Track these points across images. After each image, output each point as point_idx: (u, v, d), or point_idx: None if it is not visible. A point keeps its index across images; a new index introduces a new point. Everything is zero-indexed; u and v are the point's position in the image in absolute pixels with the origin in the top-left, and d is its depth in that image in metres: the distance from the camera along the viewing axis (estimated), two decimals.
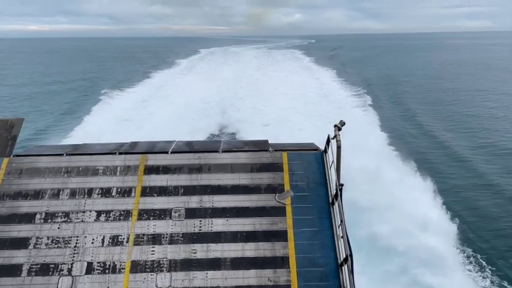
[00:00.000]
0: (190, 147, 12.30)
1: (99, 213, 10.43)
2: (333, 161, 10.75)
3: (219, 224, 10.22)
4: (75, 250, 9.79)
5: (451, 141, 42.04)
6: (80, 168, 11.27)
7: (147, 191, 10.85)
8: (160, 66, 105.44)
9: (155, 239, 10.00)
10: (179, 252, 9.78)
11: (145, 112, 48.43)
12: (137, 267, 9.56)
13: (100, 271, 9.49)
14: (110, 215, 10.40)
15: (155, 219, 10.34)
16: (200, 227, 10.19)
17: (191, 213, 10.43)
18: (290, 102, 52.58)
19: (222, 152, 11.86)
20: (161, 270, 9.50)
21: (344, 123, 11.07)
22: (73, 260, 9.63)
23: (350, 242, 9.11)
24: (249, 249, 9.77)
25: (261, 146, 12.23)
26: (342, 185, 10.17)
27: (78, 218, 10.32)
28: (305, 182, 11.04)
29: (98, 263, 9.61)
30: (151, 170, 11.32)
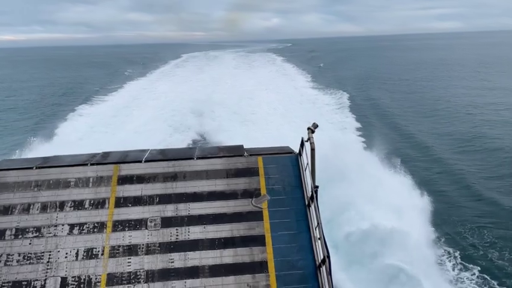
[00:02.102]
0: (164, 156, 12.17)
1: (72, 226, 10.20)
2: (308, 163, 10.81)
3: (196, 232, 10.13)
4: (48, 265, 9.53)
5: (409, 126, 46.18)
6: (51, 181, 11.00)
7: (121, 202, 10.67)
8: (135, 73, 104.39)
9: (131, 250, 9.83)
10: (157, 262, 9.64)
11: (118, 120, 47.61)
12: (113, 279, 9.37)
13: (74, 286, 9.26)
14: (84, 227, 10.17)
15: (130, 229, 10.17)
16: (177, 235, 10.07)
17: (167, 222, 10.31)
18: (266, 104, 52.71)
19: (197, 158, 11.78)
20: (139, 282, 9.34)
21: (317, 126, 11.17)
22: (46, 276, 9.37)
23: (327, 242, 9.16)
24: (227, 256, 9.71)
25: (236, 151, 12.21)
26: (317, 187, 10.24)
27: (50, 233, 10.06)
28: (281, 185, 11.07)
29: (72, 277, 9.38)
30: (124, 180, 11.14)
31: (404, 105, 59.31)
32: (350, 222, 19.48)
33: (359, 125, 44.46)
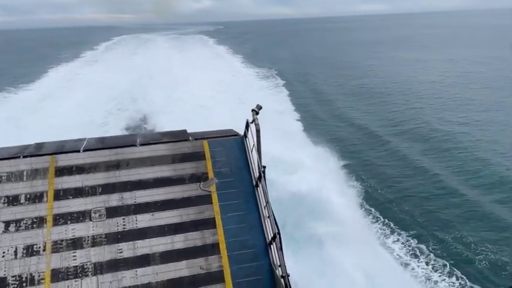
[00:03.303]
0: (103, 144, 11.65)
1: (7, 223, 9.53)
2: (253, 145, 10.95)
3: (144, 220, 9.91)
4: None
5: (335, 101, 52.15)
6: None
7: (61, 194, 10.13)
8: (64, 58, 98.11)
9: (75, 243, 9.41)
10: (104, 253, 9.33)
11: (48, 108, 44.69)
12: (58, 275, 8.95)
13: (16, 285, 8.72)
14: (21, 224, 9.55)
15: (73, 222, 9.71)
16: (124, 225, 9.80)
17: (112, 212, 9.98)
18: (203, 89, 52.20)
19: (140, 145, 11.44)
20: (86, 275, 9.00)
21: (261, 107, 11.29)
22: None
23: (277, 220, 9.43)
24: (179, 241, 9.64)
25: (180, 136, 12.01)
26: (264, 167, 10.42)
27: None
28: (228, 168, 11.11)
29: (12, 277, 8.82)
30: (62, 171, 10.56)
31: (332, 81, 64.94)
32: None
33: (294, 107, 47.36)
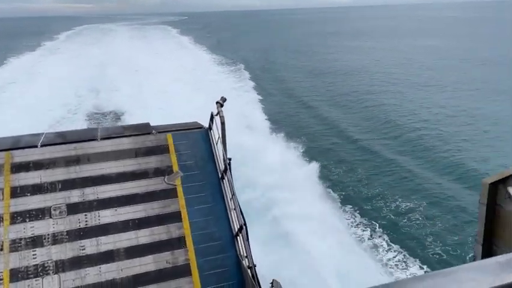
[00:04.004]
0: (63, 138, 11.26)
1: None
2: (219, 137, 10.91)
3: (107, 216, 9.70)
4: None
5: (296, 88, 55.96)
6: None
7: (18, 192, 9.74)
8: (22, 48, 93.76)
9: (35, 241, 9.10)
10: (66, 251, 9.07)
11: (3, 101, 42.65)
12: (18, 275, 8.64)
13: None
14: None
15: (32, 220, 9.37)
16: (86, 221, 9.55)
17: (74, 208, 9.70)
18: (167, 79, 51.36)
19: (101, 139, 11.15)
20: (48, 274, 8.74)
21: (225, 99, 11.26)
22: None
23: (243, 212, 9.47)
24: (144, 236, 9.51)
25: (143, 129, 11.79)
26: (230, 159, 10.42)
27: None
28: (193, 160, 11.03)
29: None
30: (19, 167, 10.14)
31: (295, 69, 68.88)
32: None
33: (259, 96, 49.08)
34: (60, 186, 9.99)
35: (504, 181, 8.65)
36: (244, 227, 9.31)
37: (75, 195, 9.90)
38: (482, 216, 8.93)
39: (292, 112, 44.11)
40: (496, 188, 8.75)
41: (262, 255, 13.52)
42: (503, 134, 34.15)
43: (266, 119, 39.18)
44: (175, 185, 10.44)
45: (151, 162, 10.81)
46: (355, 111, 43.74)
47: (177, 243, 9.52)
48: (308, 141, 34.16)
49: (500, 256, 0.81)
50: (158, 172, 10.65)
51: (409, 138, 34.41)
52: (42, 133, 11.60)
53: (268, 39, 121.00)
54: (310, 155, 30.46)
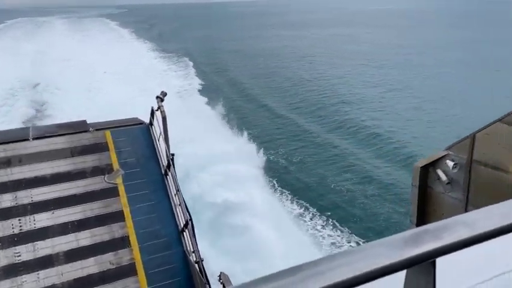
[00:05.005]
0: None
1: None
2: (160, 133, 10.70)
3: (43, 219, 9.22)
4: None
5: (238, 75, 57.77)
6: None
7: None
8: None
9: None
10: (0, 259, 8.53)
11: None
12: None
13: None
14: None
15: None
16: (20, 226, 9.02)
17: (6, 213, 9.12)
18: (105, 74, 49.22)
19: (33, 139, 10.53)
20: None
21: (166, 94, 11.05)
22: None
23: (188, 207, 9.38)
24: (84, 238, 9.15)
25: (79, 127, 11.27)
26: (173, 155, 10.26)
27: None
28: (134, 158, 10.74)
29: None
30: None
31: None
32: None
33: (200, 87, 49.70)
34: None
35: (433, 164, 9.25)
36: (190, 222, 9.24)
37: (7, 200, 9.32)
38: (414, 198, 9.50)
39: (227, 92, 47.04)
40: (426, 171, 9.34)
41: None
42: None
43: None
44: (116, 184, 10.12)
45: (89, 161, 10.39)
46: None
47: (120, 243, 9.26)
48: (240, 116, 36.30)
49: (408, 231, 0.89)
50: (98, 171, 10.26)
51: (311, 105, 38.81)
52: None
53: (214, 30, 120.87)
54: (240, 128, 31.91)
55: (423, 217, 9.36)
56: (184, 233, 9.49)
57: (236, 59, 69.43)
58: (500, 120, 8.16)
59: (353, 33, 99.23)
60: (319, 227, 20.99)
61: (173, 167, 10.12)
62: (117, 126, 11.41)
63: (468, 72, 51.90)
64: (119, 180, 10.18)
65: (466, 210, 9.03)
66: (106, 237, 9.26)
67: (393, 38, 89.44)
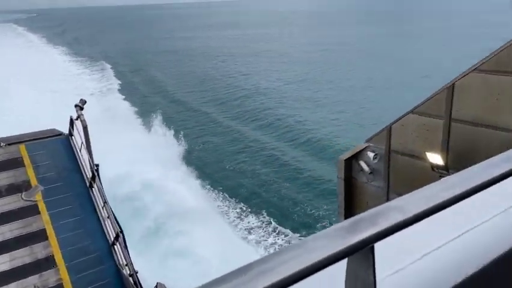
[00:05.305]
0: None
1: None
2: (82, 143, 10.13)
3: None
4: None
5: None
6: None
7: None
8: None
9: None
10: None
11: None
12: None
13: None
14: None
15: None
16: None
17: None
18: (17, 84, 44.88)
19: None
20: None
21: (85, 102, 10.49)
22: None
23: (118, 219, 8.98)
24: (3, 262, 8.38)
25: None
26: (97, 165, 9.76)
27: None
28: (54, 171, 10.06)
29: None
30: None
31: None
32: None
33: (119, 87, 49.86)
34: None
35: (356, 156, 9.81)
36: (120, 234, 8.84)
37: None
38: (341, 189, 9.99)
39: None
40: (350, 163, 9.87)
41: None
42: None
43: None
44: (36, 201, 9.40)
45: (3, 178, 9.56)
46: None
47: (45, 263, 8.61)
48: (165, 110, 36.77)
49: (347, 220, 0.96)
50: (13, 189, 9.47)
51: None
52: None
53: (134, 35, 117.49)
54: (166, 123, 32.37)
55: (350, 207, 9.88)
56: (115, 246, 9.06)
57: (154, 60, 70.03)
58: (412, 111, 8.88)
59: (268, 33, 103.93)
60: (235, 219, 21.22)
61: (99, 178, 9.63)
62: (33, 139, 10.62)
63: (372, 63, 55.64)
64: (38, 197, 9.46)
65: (388, 197, 9.69)
66: (28, 260, 8.56)
67: (302, 36, 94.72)
